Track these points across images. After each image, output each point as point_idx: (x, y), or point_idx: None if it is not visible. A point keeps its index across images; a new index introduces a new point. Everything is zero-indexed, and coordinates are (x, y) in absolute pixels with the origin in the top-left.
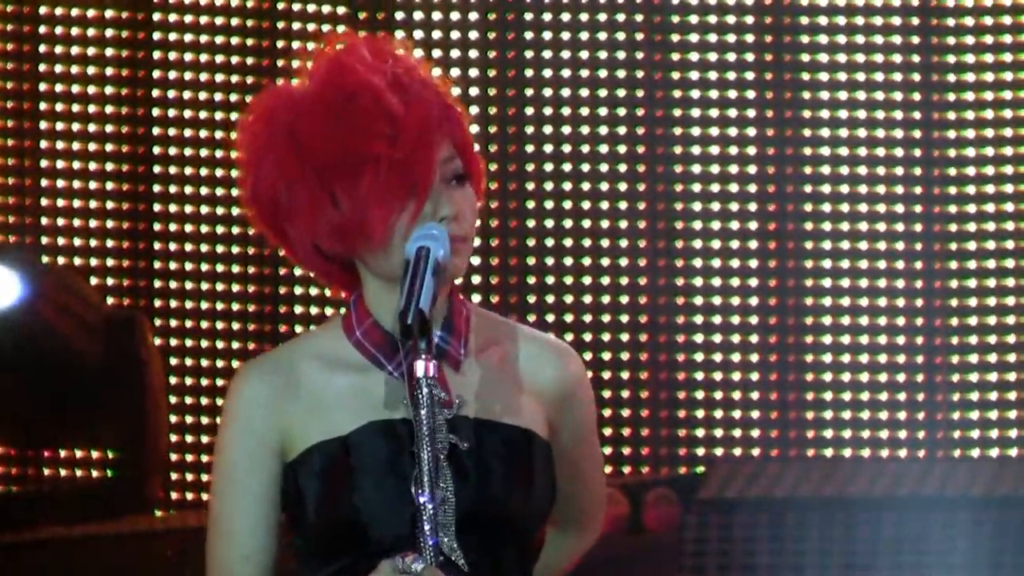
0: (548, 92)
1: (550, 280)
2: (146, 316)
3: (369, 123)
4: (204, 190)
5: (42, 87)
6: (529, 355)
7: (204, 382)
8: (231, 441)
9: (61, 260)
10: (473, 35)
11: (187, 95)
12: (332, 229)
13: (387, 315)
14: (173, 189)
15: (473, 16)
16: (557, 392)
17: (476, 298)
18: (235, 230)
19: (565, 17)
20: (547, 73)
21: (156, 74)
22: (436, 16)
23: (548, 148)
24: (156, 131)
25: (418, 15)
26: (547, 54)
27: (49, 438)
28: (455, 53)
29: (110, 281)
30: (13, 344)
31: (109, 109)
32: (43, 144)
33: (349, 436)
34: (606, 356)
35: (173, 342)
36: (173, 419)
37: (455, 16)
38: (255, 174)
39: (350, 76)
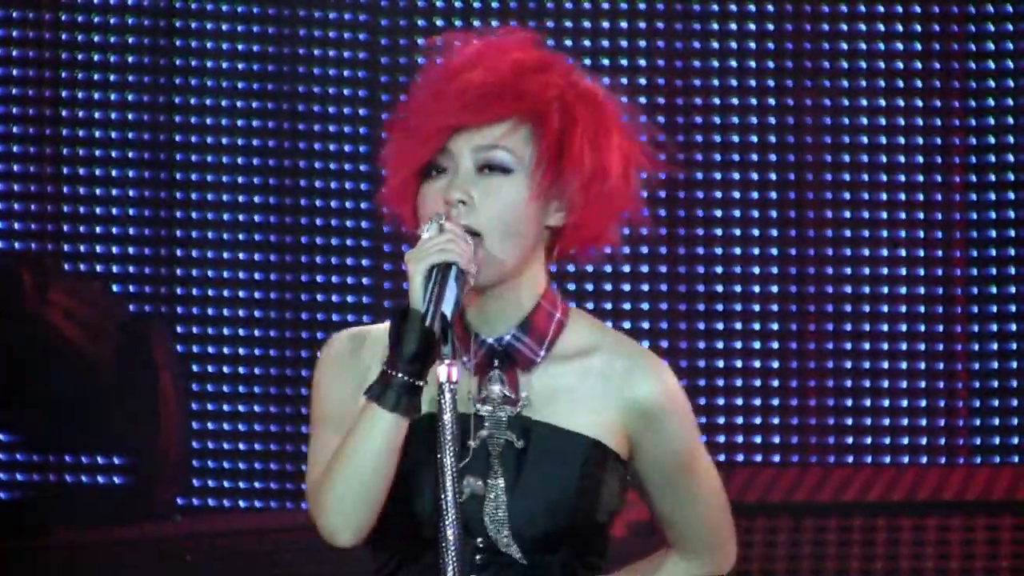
0: None
1: (571, 287)
2: (169, 322)
3: (412, 98)
4: (226, 196)
5: (64, 94)
6: (616, 368)
7: (226, 389)
8: (320, 381)
9: (83, 266)
10: None
11: (209, 102)
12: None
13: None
14: (195, 196)
15: (495, 24)
16: (638, 409)
17: None
18: (258, 237)
19: (586, 24)
20: None
21: (179, 80)
22: (457, 24)
23: None
24: (179, 138)
25: (439, 22)
26: (568, 61)
27: (65, 443)
28: None
29: (132, 288)
30: (25, 350)
31: (131, 116)
32: (65, 151)
33: None
34: None
35: (195, 348)
36: (195, 425)
37: (476, 24)
38: None
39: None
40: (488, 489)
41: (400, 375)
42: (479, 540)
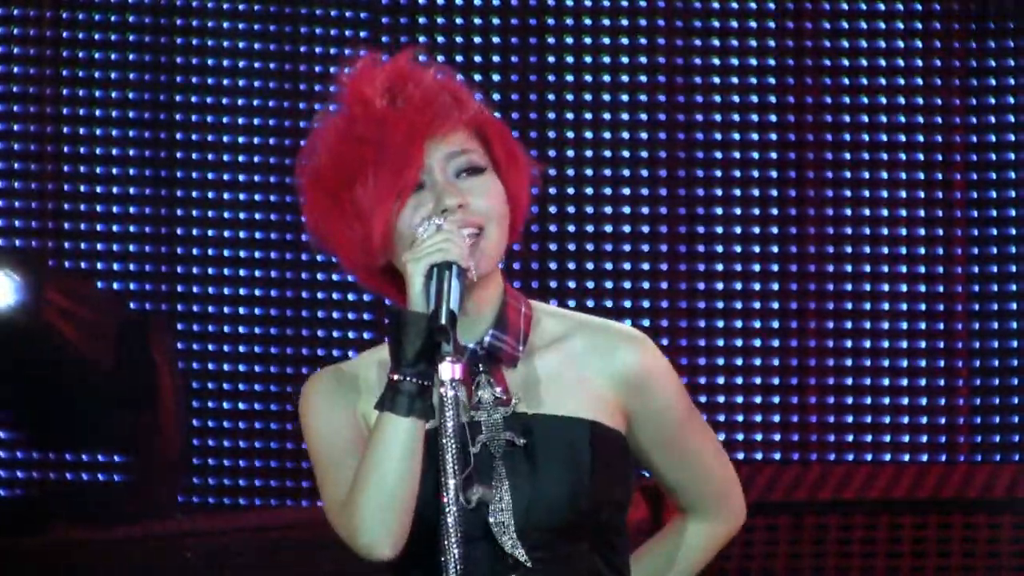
0: (570, 96)
1: (571, 284)
2: (168, 320)
3: (359, 132)
4: (227, 194)
5: (64, 91)
6: (596, 346)
7: (227, 386)
8: (313, 420)
9: (84, 264)
10: (496, 40)
11: (210, 99)
12: (355, 247)
13: None
14: (196, 193)
15: (496, 21)
16: (629, 380)
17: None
18: (258, 234)
19: (587, 21)
20: (570, 78)
21: (180, 78)
22: (459, 21)
23: (570, 152)
24: (179, 135)
25: (440, 20)
26: (569, 59)
27: (65, 441)
28: (477, 58)
29: (132, 285)
30: (21, 348)
31: (132, 114)
32: (65, 148)
33: None
34: None
35: (195, 346)
36: (195, 422)
37: (478, 21)
38: (303, 210)
39: (346, 93)
40: (495, 493)
41: (407, 379)
42: (495, 547)
